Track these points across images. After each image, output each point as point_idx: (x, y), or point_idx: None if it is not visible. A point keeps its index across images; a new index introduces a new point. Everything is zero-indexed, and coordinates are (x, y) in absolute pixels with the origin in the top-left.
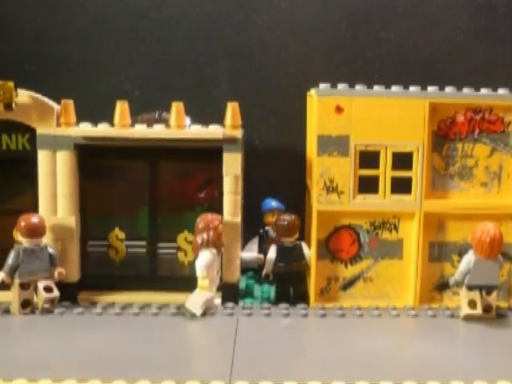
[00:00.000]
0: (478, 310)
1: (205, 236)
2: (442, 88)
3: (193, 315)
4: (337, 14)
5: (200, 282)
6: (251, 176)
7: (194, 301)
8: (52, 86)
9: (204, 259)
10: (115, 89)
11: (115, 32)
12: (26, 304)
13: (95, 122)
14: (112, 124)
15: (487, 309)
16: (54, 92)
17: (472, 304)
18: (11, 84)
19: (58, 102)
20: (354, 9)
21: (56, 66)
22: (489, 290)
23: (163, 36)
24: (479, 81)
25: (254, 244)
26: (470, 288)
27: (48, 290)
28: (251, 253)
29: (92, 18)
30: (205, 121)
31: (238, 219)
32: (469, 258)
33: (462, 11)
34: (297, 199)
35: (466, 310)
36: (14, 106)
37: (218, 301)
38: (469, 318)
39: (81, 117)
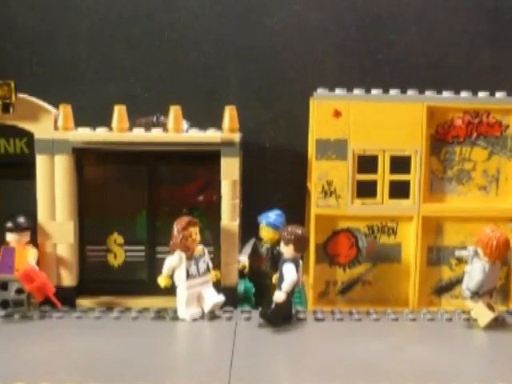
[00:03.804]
0: (498, 311)
1: (173, 240)
2: (440, 91)
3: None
4: (347, 18)
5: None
6: (253, 178)
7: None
8: (58, 89)
9: (168, 260)
10: (124, 91)
11: (123, 34)
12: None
13: (105, 124)
14: (110, 128)
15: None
16: (60, 95)
17: (490, 307)
18: (12, 83)
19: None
20: (363, 12)
21: (64, 68)
22: (491, 292)
23: (172, 39)
24: (487, 84)
25: (249, 247)
26: (482, 295)
27: None
28: (244, 256)
29: (100, 20)
30: (215, 124)
31: (236, 223)
32: (482, 267)
33: (470, 15)
34: (298, 203)
35: (490, 315)
36: (11, 109)
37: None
38: (492, 324)
39: (90, 119)
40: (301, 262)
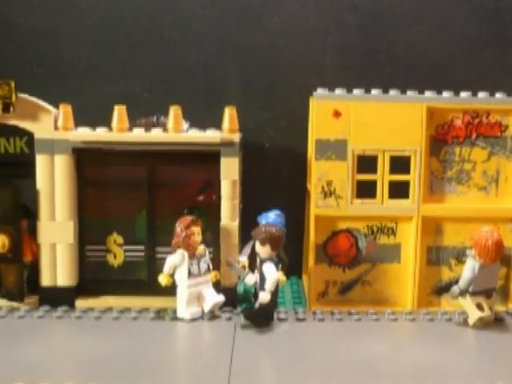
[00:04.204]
0: (487, 312)
1: (175, 239)
2: (440, 92)
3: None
4: (347, 18)
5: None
6: (252, 179)
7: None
8: (58, 89)
9: (169, 259)
10: (124, 91)
11: (124, 34)
12: None
13: (105, 125)
14: (110, 128)
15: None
16: (60, 95)
17: (480, 307)
18: (12, 83)
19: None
20: (364, 13)
21: (64, 68)
22: (488, 292)
23: (172, 39)
24: (487, 85)
25: (249, 247)
26: (474, 294)
27: None
28: (244, 256)
29: (101, 19)
30: (215, 124)
31: (236, 223)
32: (472, 265)
33: (470, 16)
34: (298, 203)
35: (477, 314)
36: (12, 108)
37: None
38: (478, 323)
39: (89, 119)
40: (277, 260)
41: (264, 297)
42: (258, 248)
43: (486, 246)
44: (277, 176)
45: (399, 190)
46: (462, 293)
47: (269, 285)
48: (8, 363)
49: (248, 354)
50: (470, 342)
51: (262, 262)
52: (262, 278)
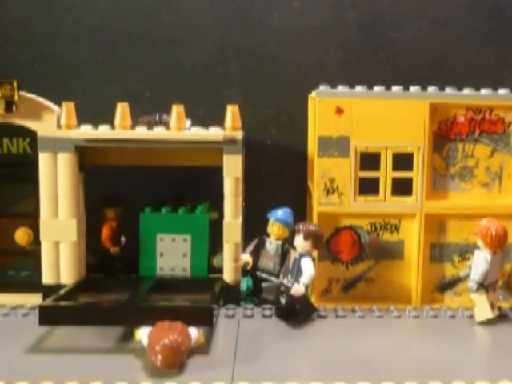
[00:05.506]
0: (496, 312)
1: None
2: (442, 88)
3: None
4: (348, 15)
5: None
6: (254, 176)
7: None
8: (61, 87)
9: None
10: (126, 90)
11: (125, 33)
12: None
13: (108, 123)
14: (113, 126)
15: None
16: (63, 93)
17: (493, 307)
18: (14, 82)
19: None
20: (365, 9)
21: (66, 66)
22: (493, 285)
23: (174, 37)
24: (490, 81)
25: (252, 245)
26: (488, 286)
27: None
28: (246, 254)
29: (102, 18)
30: (217, 122)
31: (239, 221)
32: (484, 257)
33: (472, 12)
34: (300, 200)
35: (489, 314)
36: (14, 107)
37: None
38: (485, 321)
39: (92, 117)
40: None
41: (298, 288)
42: (300, 242)
43: (497, 235)
44: (279, 173)
45: (402, 187)
46: (479, 287)
47: (305, 279)
48: (11, 361)
49: (251, 352)
50: (474, 339)
51: (301, 255)
52: (299, 271)
